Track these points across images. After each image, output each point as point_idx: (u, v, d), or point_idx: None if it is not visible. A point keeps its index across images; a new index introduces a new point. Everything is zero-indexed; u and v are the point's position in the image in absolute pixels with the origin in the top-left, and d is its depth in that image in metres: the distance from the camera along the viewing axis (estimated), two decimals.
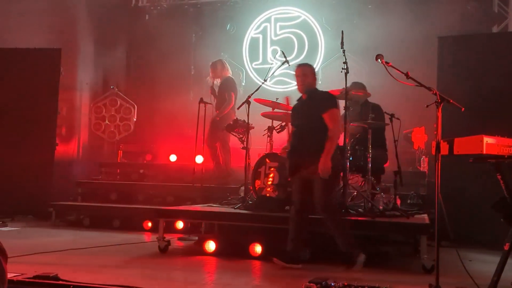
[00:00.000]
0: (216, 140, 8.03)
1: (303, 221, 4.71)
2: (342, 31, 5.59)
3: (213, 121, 7.87)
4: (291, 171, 4.78)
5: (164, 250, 5.39)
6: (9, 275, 3.51)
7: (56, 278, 3.66)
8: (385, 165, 6.28)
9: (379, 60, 4.10)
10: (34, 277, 3.63)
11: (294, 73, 4.92)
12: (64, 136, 9.63)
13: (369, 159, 5.55)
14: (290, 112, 5.20)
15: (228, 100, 7.94)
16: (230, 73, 8.30)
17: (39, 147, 8.38)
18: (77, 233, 6.82)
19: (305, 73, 4.89)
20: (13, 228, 7.05)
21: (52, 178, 8.42)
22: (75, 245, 5.67)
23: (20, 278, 3.59)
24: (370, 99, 6.31)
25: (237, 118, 6.73)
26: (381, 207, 5.42)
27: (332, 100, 4.79)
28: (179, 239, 6.27)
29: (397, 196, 5.75)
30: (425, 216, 5.50)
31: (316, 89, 4.95)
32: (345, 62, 5.38)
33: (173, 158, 9.39)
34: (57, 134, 8.73)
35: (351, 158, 5.55)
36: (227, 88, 7.99)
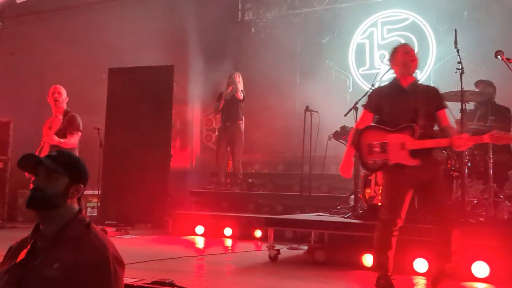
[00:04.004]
0: None
1: None
2: (456, 30, 5.26)
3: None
4: None
5: (274, 259, 5.40)
6: (130, 281, 3.73)
7: (172, 284, 3.80)
8: (510, 171, 5.81)
9: (499, 57, 3.81)
10: (152, 283, 3.80)
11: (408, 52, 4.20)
12: (178, 148, 10.08)
13: (490, 164, 5.16)
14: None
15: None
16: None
17: (156, 159, 8.80)
18: (191, 241, 7.07)
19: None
20: (133, 236, 7.47)
21: (168, 188, 8.82)
22: (189, 252, 5.89)
23: (139, 283, 3.78)
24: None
25: (344, 125, 6.62)
26: (505, 216, 5.00)
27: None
28: (289, 248, 6.25)
29: None
30: None
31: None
32: (459, 62, 5.06)
33: (280, 167, 9.46)
34: (171, 146, 9.14)
35: (469, 164, 5.20)
36: None
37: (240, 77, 8.74)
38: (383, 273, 3.93)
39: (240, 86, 8.64)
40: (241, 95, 8.56)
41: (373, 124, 4.15)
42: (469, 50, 7.58)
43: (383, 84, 4.41)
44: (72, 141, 6.14)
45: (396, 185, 3.98)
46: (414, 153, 3.87)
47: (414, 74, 4.23)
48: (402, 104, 4.01)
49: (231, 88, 8.55)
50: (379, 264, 3.99)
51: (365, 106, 4.26)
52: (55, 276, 2.08)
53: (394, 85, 4.16)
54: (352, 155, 4.25)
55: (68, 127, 6.17)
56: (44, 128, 6.42)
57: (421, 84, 4.17)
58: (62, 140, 6.03)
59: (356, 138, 4.12)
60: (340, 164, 4.21)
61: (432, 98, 4.05)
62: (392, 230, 3.93)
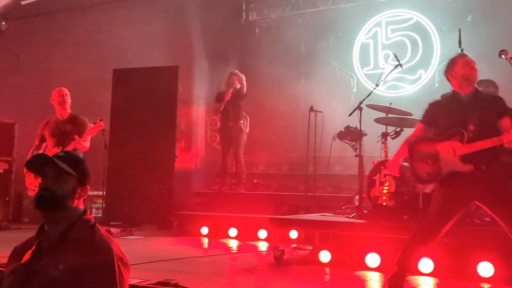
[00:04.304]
0: None
1: None
2: (460, 29, 5.27)
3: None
4: None
5: (279, 259, 5.40)
6: (134, 281, 3.73)
7: (176, 284, 3.81)
8: None
9: (503, 56, 3.79)
10: (157, 283, 3.80)
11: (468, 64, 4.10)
12: (183, 149, 10.07)
13: None
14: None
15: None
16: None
17: (161, 160, 8.81)
18: (196, 241, 7.08)
19: None
20: (138, 237, 7.47)
21: (173, 189, 8.82)
22: (194, 253, 5.89)
23: (144, 284, 3.78)
24: None
25: (348, 125, 6.62)
26: None
27: None
28: (294, 248, 6.25)
29: None
30: None
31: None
32: None
33: (285, 167, 9.46)
34: (176, 147, 9.14)
35: None
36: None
37: (239, 76, 8.73)
38: (400, 272, 3.92)
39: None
40: (244, 88, 8.57)
41: (423, 136, 4.14)
42: (473, 49, 7.53)
43: (440, 98, 4.44)
44: (87, 144, 6.35)
45: (449, 197, 3.87)
46: (465, 159, 3.79)
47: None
48: (457, 114, 3.95)
49: (232, 89, 8.51)
50: (402, 264, 3.95)
51: (420, 120, 4.26)
52: (60, 277, 2.09)
53: (452, 97, 4.11)
54: (402, 157, 4.27)
55: (82, 130, 6.33)
56: (45, 130, 6.48)
57: (482, 93, 4.08)
58: (84, 144, 6.22)
59: (408, 151, 4.12)
60: (389, 161, 4.31)
61: (491, 106, 3.92)
62: (429, 239, 3.90)
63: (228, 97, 8.46)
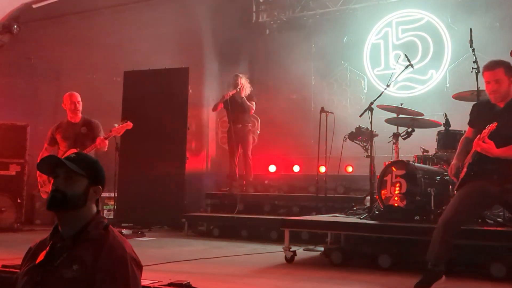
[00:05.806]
0: None
1: None
2: (471, 29, 5.23)
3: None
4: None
5: (290, 260, 5.39)
6: (146, 282, 3.74)
7: (188, 285, 3.81)
8: None
9: None
10: (169, 284, 3.81)
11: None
12: (194, 150, 10.10)
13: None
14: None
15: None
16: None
17: (172, 161, 8.85)
18: (207, 243, 7.09)
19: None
20: (150, 238, 7.50)
21: (184, 190, 8.85)
22: (206, 254, 5.90)
23: (156, 285, 3.80)
24: None
25: (359, 126, 6.60)
26: None
27: None
28: (305, 249, 6.24)
29: None
30: None
31: None
32: (475, 61, 5.03)
33: (296, 168, 9.45)
34: (187, 148, 9.17)
35: None
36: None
37: (245, 79, 8.70)
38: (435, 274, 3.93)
39: (247, 89, 8.62)
40: (253, 108, 8.61)
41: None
42: (485, 49, 7.50)
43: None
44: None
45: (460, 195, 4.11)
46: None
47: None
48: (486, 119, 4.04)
49: (234, 91, 8.52)
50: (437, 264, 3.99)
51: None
52: (74, 277, 2.11)
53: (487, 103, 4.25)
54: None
55: (98, 133, 6.46)
56: (57, 133, 6.52)
57: None
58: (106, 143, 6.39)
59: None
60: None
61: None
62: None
63: (227, 96, 8.46)
